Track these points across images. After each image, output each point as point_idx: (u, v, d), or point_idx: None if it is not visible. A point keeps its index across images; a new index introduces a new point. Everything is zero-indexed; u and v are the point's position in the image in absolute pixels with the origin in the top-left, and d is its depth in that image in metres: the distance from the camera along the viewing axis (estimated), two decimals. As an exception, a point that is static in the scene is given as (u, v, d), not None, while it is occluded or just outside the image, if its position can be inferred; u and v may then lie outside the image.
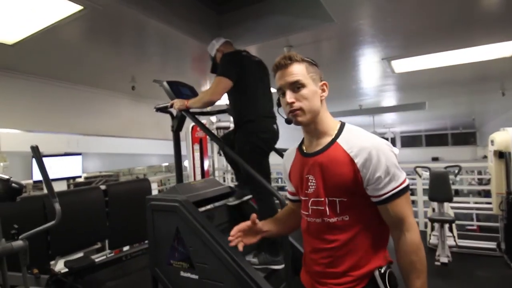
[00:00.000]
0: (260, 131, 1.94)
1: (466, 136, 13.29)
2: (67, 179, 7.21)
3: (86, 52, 3.10)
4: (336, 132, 1.02)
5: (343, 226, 0.99)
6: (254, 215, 1.11)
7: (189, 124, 4.50)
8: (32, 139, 4.26)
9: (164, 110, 2.23)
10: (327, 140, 1.02)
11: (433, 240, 3.49)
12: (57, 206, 1.94)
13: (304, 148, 1.10)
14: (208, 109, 4.64)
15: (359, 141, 0.97)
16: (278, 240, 1.96)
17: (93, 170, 9.85)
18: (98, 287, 3.17)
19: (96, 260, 3.53)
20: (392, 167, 0.94)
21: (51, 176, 1.94)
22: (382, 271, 0.98)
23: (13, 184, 1.76)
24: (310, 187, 1.04)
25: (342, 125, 1.04)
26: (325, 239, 1.01)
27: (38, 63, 3.41)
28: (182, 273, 1.88)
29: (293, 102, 0.99)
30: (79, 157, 6.79)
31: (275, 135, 2.02)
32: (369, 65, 3.97)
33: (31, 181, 6.61)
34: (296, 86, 0.99)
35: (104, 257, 3.83)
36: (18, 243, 1.85)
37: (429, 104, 6.87)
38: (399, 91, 5.74)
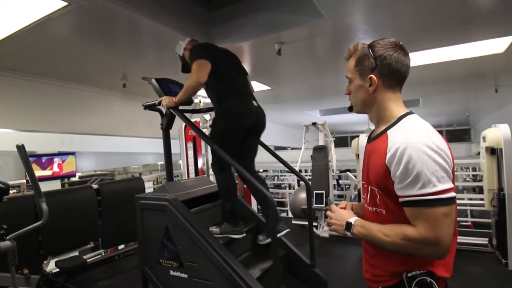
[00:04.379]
0: (238, 106, 1.96)
1: (460, 133, 13.36)
2: (61, 178, 7.18)
3: (75, 49, 3.06)
4: (392, 122, 1.00)
5: (380, 220, 0.99)
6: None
7: (182, 122, 4.46)
8: (25, 138, 4.20)
9: (152, 107, 2.20)
10: (382, 129, 1.03)
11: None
12: (44, 205, 1.91)
13: (372, 134, 1.13)
14: (200, 106, 4.63)
15: (399, 135, 0.94)
16: (237, 210, 2.03)
17: (88, 169, 9.79)
18: (90, 287, 3.15)
19: (89, 259, 3.50)
20: (418, 170, 0.85)
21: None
22: (411, 275, 0.94)
23: (-2, 184, 1.74)
24: None
25: (402, 116, 1.00)
26: None
27: (26, 60, 3.36)
28: (171, 272, 1.86)
29: (347, 94, 1.13)
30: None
31: (253, 111, 2.00)
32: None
33: (24, 181, 6.57)
34: (348, 80, 1.10)
35: (98, 256, 3.80)
36: (6, 243, 1.83)
37: (423, 101, 6.89)
38: (393, 88, 5.73)
